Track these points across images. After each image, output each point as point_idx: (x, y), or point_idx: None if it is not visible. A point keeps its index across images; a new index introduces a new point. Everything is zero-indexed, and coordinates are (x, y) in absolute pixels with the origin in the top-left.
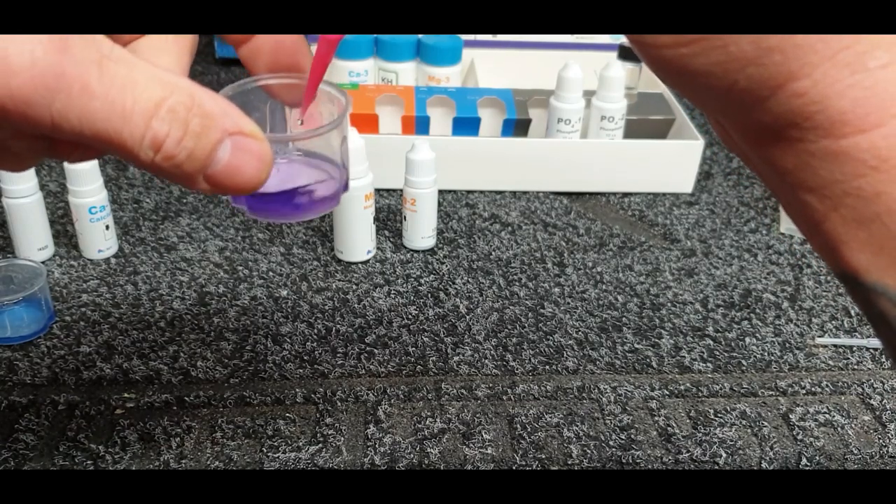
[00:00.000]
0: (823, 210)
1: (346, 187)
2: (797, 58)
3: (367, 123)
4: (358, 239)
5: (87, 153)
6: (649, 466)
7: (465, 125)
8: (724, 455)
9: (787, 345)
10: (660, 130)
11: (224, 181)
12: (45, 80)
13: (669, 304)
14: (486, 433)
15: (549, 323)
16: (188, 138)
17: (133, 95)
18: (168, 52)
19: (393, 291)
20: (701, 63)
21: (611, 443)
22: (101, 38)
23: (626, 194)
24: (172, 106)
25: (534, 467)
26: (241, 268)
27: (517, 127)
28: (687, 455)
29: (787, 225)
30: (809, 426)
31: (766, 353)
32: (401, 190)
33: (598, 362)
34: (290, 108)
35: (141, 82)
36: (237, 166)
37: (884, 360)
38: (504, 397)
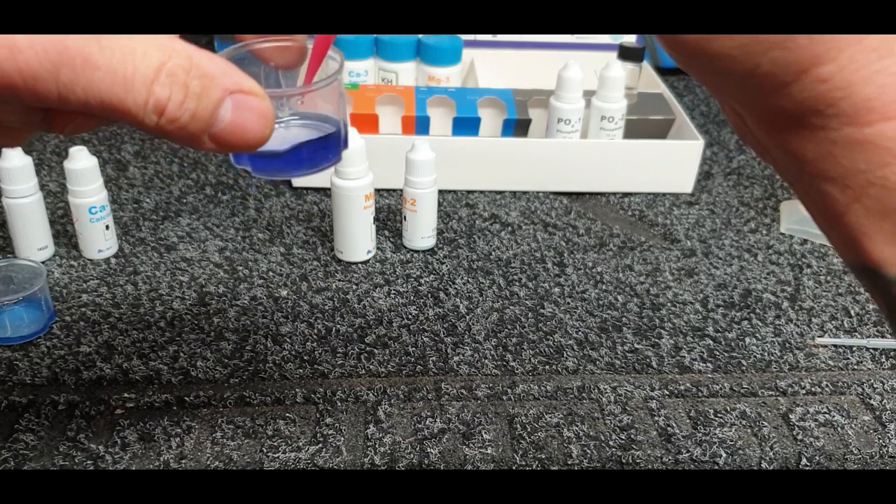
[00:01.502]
0: (845, 201)
1: (346, 143)
2: (823, 41)
3: (367, 123)
4: (358, 239)
5: (83, 124)
6: (649, 466)
7: (465, 125)
8: (724, 455)
9: (787, 345)
10: (660, 130)
11: (229, 139)
12: (49, 55)
13: (669, 304)
14: (486, 433)
15: (549, 323)
16: (189, 100)
17: (133, 63)
18: None
19: (393, 291)
20: (722, 45)
21: (611, 443)
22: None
23: (626, 194)
24: (172, 69)
25: (534, 467)
26: (241, 268)
27: (517, 127)
28: (687, 455)
29: (787, 225)
30: (809, 426)
31: (766, 353)
32: (401, 190)
33: (598, 362)
34: (283, 72)
35: (140, 50)
36: (240, 124)
37: (884, 360)
38: (504, 397)
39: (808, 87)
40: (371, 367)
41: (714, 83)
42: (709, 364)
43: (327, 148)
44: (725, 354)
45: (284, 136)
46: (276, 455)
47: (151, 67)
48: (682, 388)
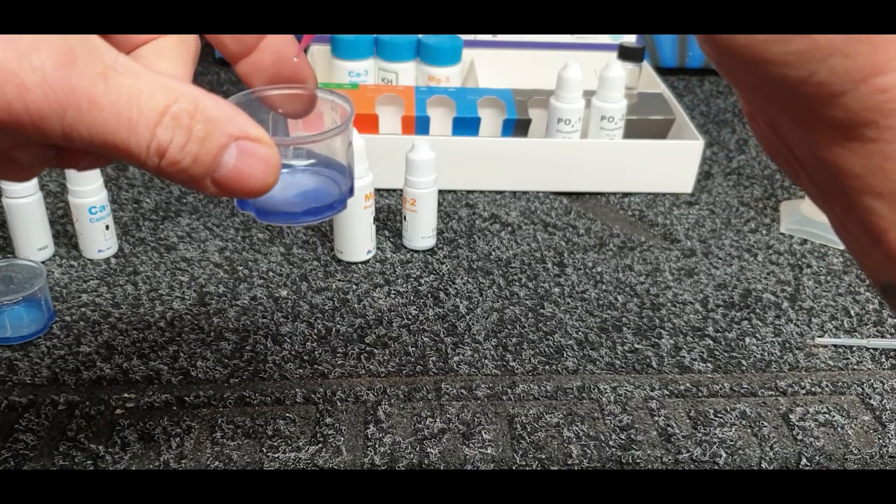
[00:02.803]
0: (893, 218)
1: (351, 192)
2: (886, 50)
3: (367, 123)
4: (358, 239)
5: (95, 161)
6: (649, 466)
7: (465, 125)
8: (724, 455)
9: (787, 345)
10: (660, 130)
11: (231, 185)
12: (56, 95)
13: (669, 304)
14: (486, 433)
15: (549, 323)
16: (192, 143)
17: (138, 105)
18: (171, 57)
19: (393, 291)
20: (779, 51)
21: (611, 443)
22: (105, 48)
23: (626, 194)
24: (176, 113)
25: (534, 467)
26: (241, 268)
27: (517, 127)
28: (687, 455)
29: (787, 225)
30: (809, 426)
31: (766, 353)
32: (401, 190)
33: (598, 362)
34: (292, 121)
35: (146, 91)
36: (244, 170)
37: (884, 360)
38: (504, 397)
39: (865, 97)
40: (371, 367)
41: (755, 89)
42: (709, 364)
43: (332, 197)
44: (725, 354)
45: (290, 183)
46: (276, 455)
47: (156, 111)
48: (682, 388)
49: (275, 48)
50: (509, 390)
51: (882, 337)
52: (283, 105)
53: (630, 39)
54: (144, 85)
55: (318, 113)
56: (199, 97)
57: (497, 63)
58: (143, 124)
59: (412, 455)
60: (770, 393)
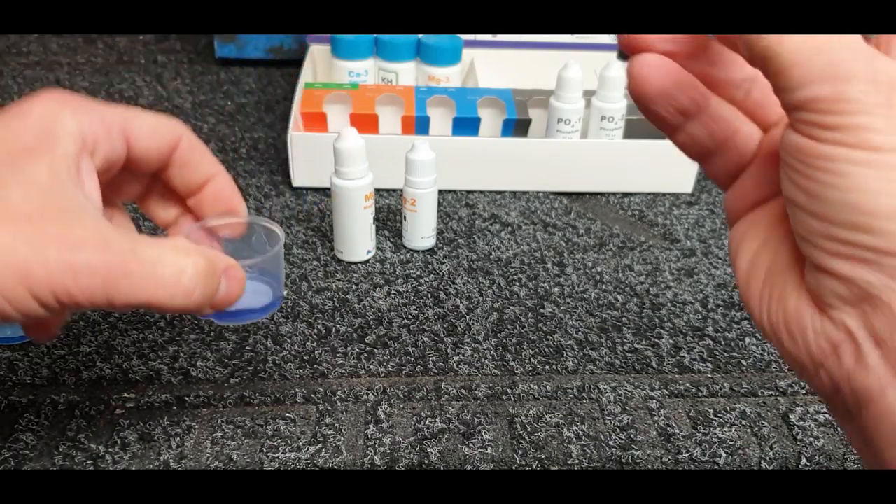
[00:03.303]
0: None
1: (281, 299)
2: None
3: (367, 123)
4: (358, 239)
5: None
6: (649, 466)
7: (465, 125)
8: (724, 455)
9: None
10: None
11: (222, 304)
12: (102, 276)
13: (669, 304)
14: (486, 433)
15: (549, 323)
16: (205, 287)
17: (163, 269)
18: (171, 207)
19: (393, 291)
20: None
21: (611, 443)
22: (127, 226)
23: (626, 194)
24: (193, 269)
25: (534, 467)
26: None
27: (517, 127)
28: (687, 455)
29: None
30: (809, 426)
31: (765, 353)
32: (401, 190)
33: (598, 362)
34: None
35: (168, 257)
36: (229, 292)
37: None
38: (504, 397)
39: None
40: (371, 367)
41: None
42: (709, 364)
43: (274, 297)
44: (725, 354)
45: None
46: (276, 455)
47: (178, 269)
48: (682, 388)
49: (215, 188)
50: (509, 390)
51: None
52: (226, 231)
53: None
54: (166, 254)
55: (247, 235)
56: (205, 251)
57: (497, 63)
58: (170, 283)
59: (412, 455)
60: (770, 393)
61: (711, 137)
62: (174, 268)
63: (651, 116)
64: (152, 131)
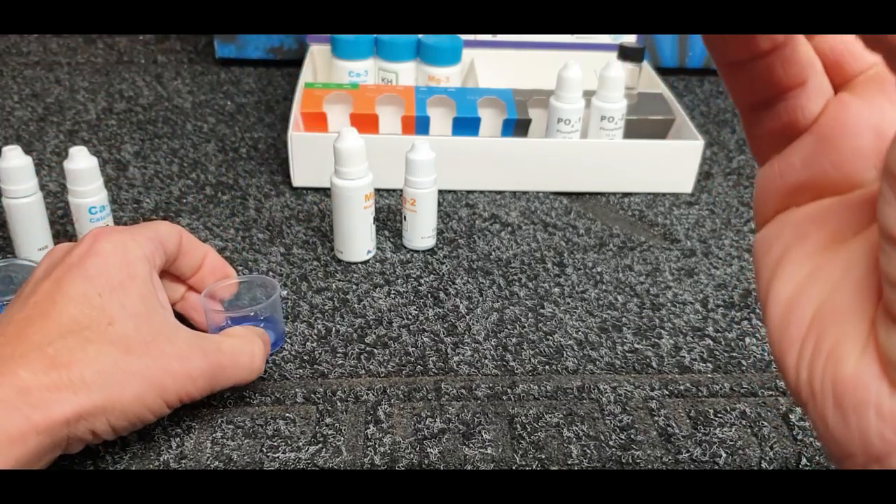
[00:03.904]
0: None
1: (283, 338)
2: None
3: (367, 123)
4: (358, 239)
5: None
6: (649, 466)
7: (465, 125)
8: (724, 455)
9: None
10: (660, 130)
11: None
12: (209, 376)
13: (669, 304)
14: (486, 433)
15: (549, 323)
16: (264, 358)
17: (243, 357)
18: (178, 286)
19: (393, 291)
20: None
21: (611, 443)
22: (204, 331)
23: (626, 194)
24: (259, 350)
25: (534, 467)
26: (241, 268)
27: (517, 127)
28: (687, 455)
29: None
30: (809, 426)
31: (766, 353)
32: (401, 190)
33: (598, 362)
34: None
35: (242, 347)
36: (268, 351)
37: None
38: (504, 397)
39: None
40: (371, 367)
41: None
42: (709, 364)
43: (275, 337)
44: (725, 354)
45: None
46: (276, 455)
47: (256, 356)
48: (682, 388)
49: (211, 265)
50: (509, 390)
51: None
52: (225, 293)
53: (630, 39)
54: (237, 344)
55: (247, 287)
56: (254, 331)
57: (497, 63)
58: (249, 364)
59: (412, 455)
60: (770, 393)
61: (775, 82)
62: (249, 355)
63: (713, 46)
64: (169, 235)
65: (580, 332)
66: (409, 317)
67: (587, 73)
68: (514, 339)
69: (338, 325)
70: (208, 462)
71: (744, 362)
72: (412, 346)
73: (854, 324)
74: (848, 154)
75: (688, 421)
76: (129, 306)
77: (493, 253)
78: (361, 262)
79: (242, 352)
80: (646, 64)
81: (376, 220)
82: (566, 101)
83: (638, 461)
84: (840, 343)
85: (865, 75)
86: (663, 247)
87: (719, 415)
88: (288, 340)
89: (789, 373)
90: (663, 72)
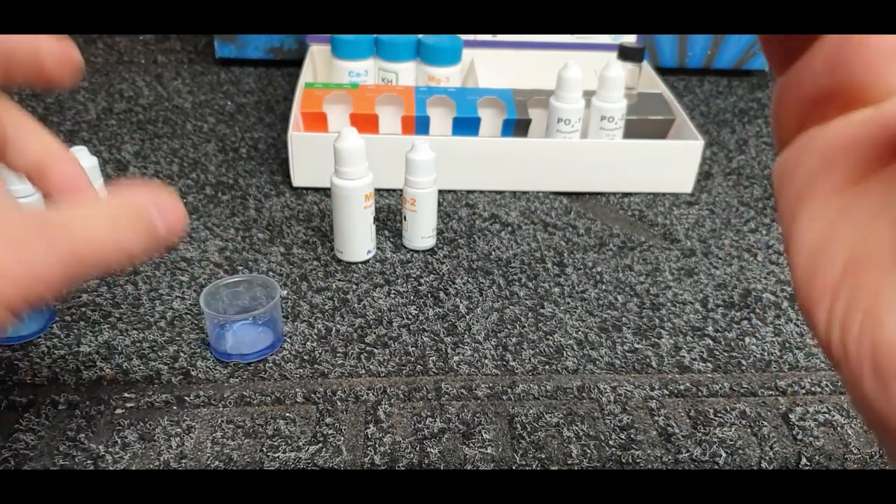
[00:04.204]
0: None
1: (280, 339)
2: None
3: (367, 123)
4: (358, 239)
5: None
6: (649, 466)
7: (465, 125)
8: (724, 455)
9: (787, 345)
10: (660, 130)
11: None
12: (62, 268)
13: (669, 304)
14: (486, 433)
15: (549, 323)
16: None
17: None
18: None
19: (393, 291)
20: None
21: (611, 442)
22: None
23: (626, 194)
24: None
25: (534, 467)
26: (241, 268)
27: (517, 127)
28: (687, 455)
29: None
30: (809, 426)
31: (765, 353)
32: (401, 190)
33: (598, 362)
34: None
35: (92, 215)
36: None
37: None
38: (504, 397)
39: None
40: (371, 366)
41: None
42: (709, 364)
43: (275, 338)
44: (725, 354)
45: (249, 333)
46: (276, 455)
47: (128, 228)
48: (681, 387)
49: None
50: (509, 390)
51: None
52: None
53: (630, 39)
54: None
55: (248, 286)
56: (135, 201)
57: (497, 63)
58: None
59: (412, 455)
60: (770, 393)
61: None
62: (105, 219)
63: None
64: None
65: (580, 332)
66: (409, 317)
67: (587, 73)
68: (514, 339)
69: (338, 325)
70: (208, 462)
71: (744, 362)
72: (412, 346)
73: None
74: (882, 51)
75: (688, 421)
76: None
77: (493, 253)
78: (361, 262)
79: (99, 228)
80: (646, 64)
81: (376, 220)
82: (566, 101)
83: (638, 461)
84: (879, 297)
85: None
86: (663, 247)
87: (719, 414)
88: (288, 340)
89: (819, 329)
90: (663, 72)
